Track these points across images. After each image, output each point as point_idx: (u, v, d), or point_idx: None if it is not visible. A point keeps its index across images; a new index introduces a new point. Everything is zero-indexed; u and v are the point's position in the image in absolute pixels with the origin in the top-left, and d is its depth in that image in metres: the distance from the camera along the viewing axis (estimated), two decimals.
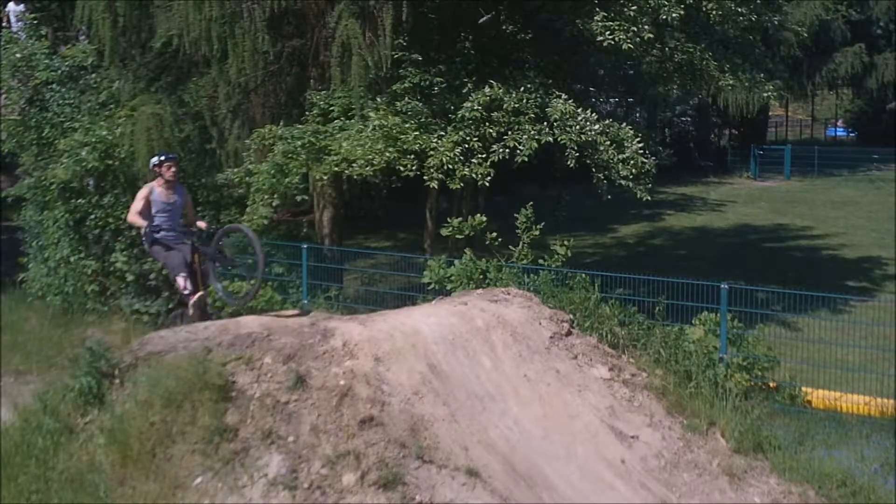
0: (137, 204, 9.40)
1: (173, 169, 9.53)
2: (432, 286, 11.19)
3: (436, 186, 13.14)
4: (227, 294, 10.32)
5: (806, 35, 19.14)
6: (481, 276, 11.02)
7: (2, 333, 11.75)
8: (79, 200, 14.06)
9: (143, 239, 9.66)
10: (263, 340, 7.90)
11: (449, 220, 12.37)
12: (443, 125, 13.27)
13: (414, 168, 12.69)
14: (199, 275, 9.62)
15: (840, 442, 9.38)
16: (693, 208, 28.16)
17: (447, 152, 12.71)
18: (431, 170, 12.79)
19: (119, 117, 14.00)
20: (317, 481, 6.92)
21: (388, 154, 12.43)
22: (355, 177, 12.90)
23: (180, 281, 9.45)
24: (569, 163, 13.09)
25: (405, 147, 12.63)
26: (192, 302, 9.45)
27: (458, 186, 13.05)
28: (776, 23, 16.71)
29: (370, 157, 12.39)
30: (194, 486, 6.93)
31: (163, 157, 9.59)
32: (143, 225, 9.35)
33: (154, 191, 9.47)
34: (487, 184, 13.22)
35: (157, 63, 15.08)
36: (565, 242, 11.35)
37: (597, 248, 21.79)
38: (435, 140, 12.88)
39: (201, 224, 9.93)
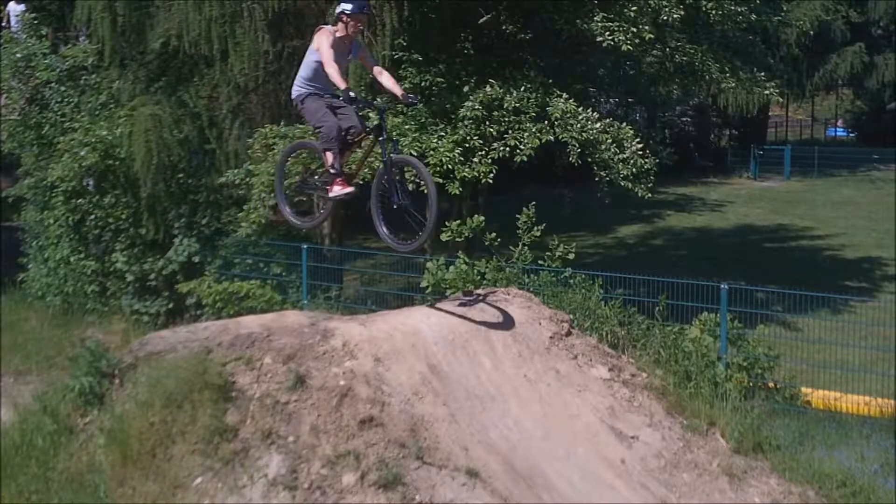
0: (330, 52, 7.77)
1: (361, 27, 8.08)
2: (429, 289, 11.18)
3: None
4: (388, 229, 8.26)
5: (808, 26, 19.10)
6: (479, 278, 11.01)
7: (2, 333, 11.75)
8: (79, 200, 14.06)
9: (296, 96, 8.20)
10: (263, 340, 7.89)
11: (447, 223, 12.36)
12: (442, 125, 13.27)
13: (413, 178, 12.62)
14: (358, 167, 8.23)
15: (840, 442, 9.37)
16: (693, 208, 28.17)
17: (447, 153, 12.70)
18: (430, 170, 12.78)
19: (119, 117, 14.00)
20: (317, 481, 6.92)
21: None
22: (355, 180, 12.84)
23: (329, 156, 8.03)
24: (571, 159, 13.09)
25: (405, 151, 12.59)
26: (332, 193, 8.12)
27: (458, 191, 13.03)
28: (776, 22, 16.72)
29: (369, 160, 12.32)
30: (194, 487, 6.93)
31: (357, 9, 7.89)
32: (344, 86, 7.67)
33: (332, 37, 7.91)
34: (491, 181, 13.21)
35: (157, 63, 15.07)
36: (566, 246, 11.34)
37: (597, 248, 21.79)
38: (435, 140, 12.87)
39: (394, 88, 8.05)
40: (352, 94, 7.66)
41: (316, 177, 8.67)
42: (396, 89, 8.05)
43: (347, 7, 7.85)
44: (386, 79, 8.10)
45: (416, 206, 8.05)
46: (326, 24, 13.62)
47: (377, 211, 8.11)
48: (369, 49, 12.91)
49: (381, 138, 7.92)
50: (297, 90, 8.22)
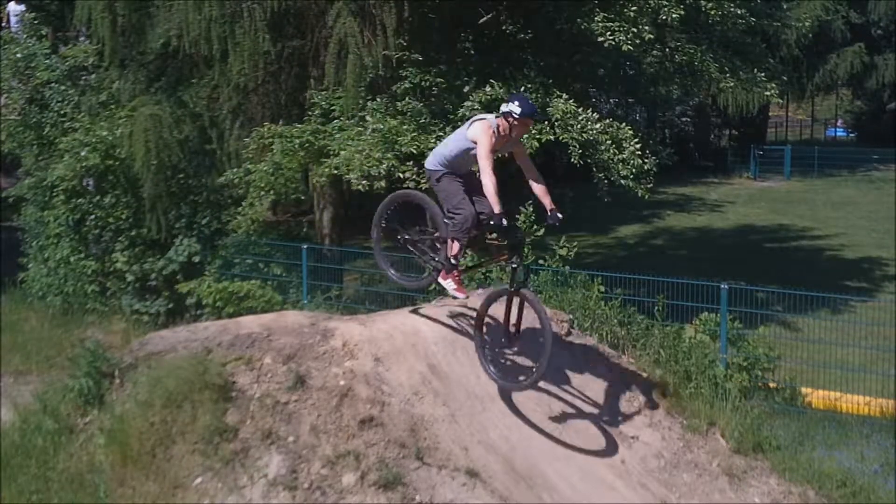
0: (490, 157, 7.33)
1: (528, 130, 7.70)
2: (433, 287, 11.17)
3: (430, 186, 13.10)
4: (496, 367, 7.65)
5: (808, 25, 19.11)
6: (482, 277, 11.01)
7: (2, 333, 11.74)
8: (79, 200, 14.06)
9: (431, 171, 7.75)
10: (263, 340, 7.89)
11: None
12: (442, 126, 13.26)
13: (413, 177, 12.61)
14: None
15: (840, 442, 9.38)
16: (693, 208, 28.18)
17: None
18: None
19: (119, 118, 14.00)
20: (317, 481, 6.92)
21: (385, 162, 12.37)
22: (354, 188, 12.81)
23: (455, 246, 7.63)
24: (572, 159, 13.09)
25: (402, 149, 12.58)
26: (444, 284, 7.70)
27: None
28: (776, 26, 16.73)
29: (368, 165, 12.30)
30: (194, 486, 6.93)
31: (529, 111, 7.41)
32: (499, 210, 7.21)
33: (492, 137, 7.42)
34: None
35: (157, 63, 15.08)
36: (567, 245, 11.34)
37: (597, 248, 21.79)
38: (433, 140, 12.86)
39: (544, 199, 7.61)
40: (504, 221, 7.23)
41: (426, 241, 8.05)
42: (546, 202, 7.62)
43: (516, 109, 7.33)
44: (538, 188, 7.66)
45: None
46: (326, 23, 13.82)
47: (481, 343, 7.68)
48: (368, 49, 12.95)
49: (514, 265, 7.47)
50: (434, 166, 7.70)
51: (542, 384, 7.68)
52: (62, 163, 13.74)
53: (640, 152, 13.23)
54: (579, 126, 13.03)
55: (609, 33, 13.25)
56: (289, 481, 6.89)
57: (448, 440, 7.36)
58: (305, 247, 13.01)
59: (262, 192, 12.98)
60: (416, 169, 12.65)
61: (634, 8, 13.42)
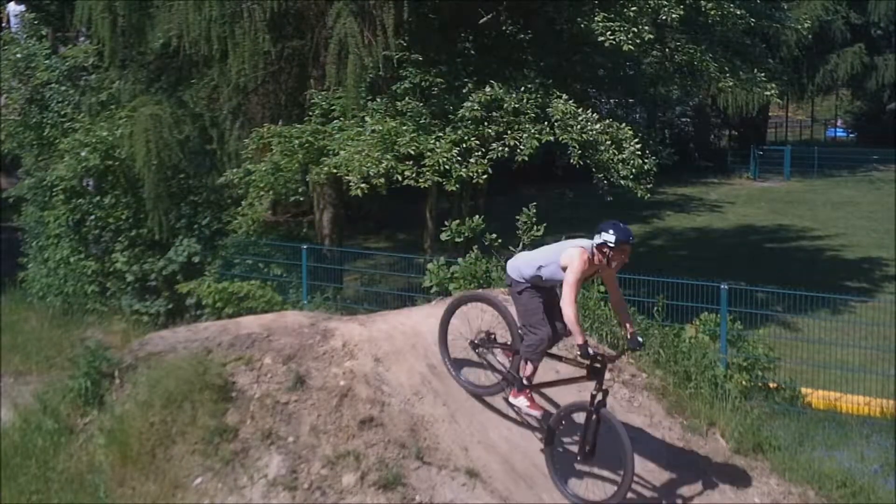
0: (577, 287, 7.08)
1: (625, 259, 7.24)
2: (433, 289, 11.18)
3: (429, 186, 13.10)
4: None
5: (808, 26, 19.12)
6: (485, 276, 11.01)
7: (2, 333, 11.74)
8: (79, 200, 14.06)
9: (514, 280, 7.44)
10: (263, 341, 7.90)
11: (447, 223, 12.36)
12: (441, 126, 13.26)
13: (412, 175, 12.61)
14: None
15: (840, 442, 9.38)
16: (693, 209, 28.18)
17: (444, 153, 12.69)
18: (427, 171, 12.75)
19: (119, 118, 14.00)
20: (317, 482, 6.92)
21: (385, 162, 12.37)
22: (353, 193, 12.80)
23: (528, 367, 7.33)
24: (572, 160, 13.09)
25: (402, 150, 12.57)
26: (516, 402, 7.43)
27: (455, 188, 13.03)
28: (776, 27, 16.74)
29: (367, 166, 12.30)
30: (194, 487, 6.93)
31: (624, 238, 7.10)
32: (582, 340, 6.97)
33: (585, 265, 7.14)
34: (482, 181, 13.19)
35: (157, 63, 15.09)
36: None
37: None
38: (433, 141, 12.87)
39: (626, 322, 7.47)
40: (590, 350, 7.00)
41: (496, 349, 7.74)
42: (628, 326, 7.42)
43: (611, 238, 7.02)
44: (622, 313, 7.54)
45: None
46: (326, 23, 13.82)
47: (552, 458, 7.35)
48: (368, 49, 12.95)
49: (593, 392, 7.18)
50: (517, 276, 7.41)
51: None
52: (62, 163, 13.74)
53: (639, 152, 13.23)
54: (579, 126, 13.03)
55: (609, 33, 13.25)
56: (289, 481, 6.89)
57: (448, 440, 7.36)
58: (305, 247, 13.01)
59: (262, 193, 12.98)
60: (415, 168, 12.66)
61: (634, 8, 13.43)
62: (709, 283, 10.70)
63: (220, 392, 7.34)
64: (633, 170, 13.13)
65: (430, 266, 11.49)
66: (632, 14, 13.40)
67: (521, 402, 7.39)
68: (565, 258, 7.16)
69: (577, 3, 14.12)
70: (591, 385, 7.18)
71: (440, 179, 12.78)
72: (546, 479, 7.47)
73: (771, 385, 10.59)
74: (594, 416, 7.14)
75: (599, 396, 7.13)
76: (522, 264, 7.46)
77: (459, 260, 11.37)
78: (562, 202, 22.71)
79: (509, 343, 7.59)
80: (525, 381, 7.35)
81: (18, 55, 15.20)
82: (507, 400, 7.57)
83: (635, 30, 13.26)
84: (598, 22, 13.38)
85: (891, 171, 33.20)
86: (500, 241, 11.62)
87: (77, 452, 7.44)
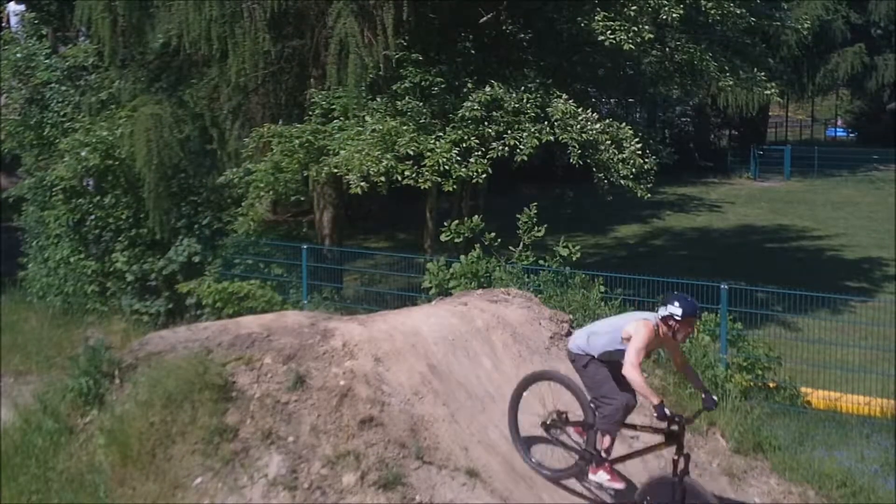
0: (640, 354, 6.89)
1: (691, 332, 7.17)
2: (433, 290, 11.18)
3: (429, 187, 13.09)
4: None
5: (808, 27, 19.10)
6: (486, 275, 11.02)
7: (2, 333, 11.75)
8: (79, 200, 14.06)
9: (577, 354, 7.30)
10: (263, 340, 7.90)
11: (446, 223, 12.37)
12: (441, 126, 13.26)
13: (412, 175, 12.60)
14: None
15: (840, 442, 9.38)
16: (693, 209, 28.17)
17: (444, 153, 12.69)
18: (426, 171, 12.74)
19: (119, 118, 14.00)
20: (317, 481, 6.92)
21: (385, 162, 12.36)
22: (352, 192, 12.80)
23: (606, 439, 7.18)
24: (572, 160, 13.10)
25: (402, 150, 12.56)
26: (596, 479, 7.18)
27: (452, 188, 13.03)
28: (776, 25, 16.74)
29: (367, 165, 12.29)
30: (194, 486, 6.93)
31: (691, 311, 6.93)
32: (657, 400, 6.80)
33: (651, 336, 6.99)
34: (481, 180, 13.19)
35: (157, 63, 15.08)
36: (569, 245, 11.34)
37: (597, 248, 21.78)
38: (432, 141, 12.86)
39: (697, 383, 7.42)
40: (666, 410, 6.79)
41: (569, 429, 7.54)
42: (701, 387, 7.35)
43: (677, 311, 6.83)
44: (691, 376, 7.48)
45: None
46: (326, 23, 13.81)
47: None
48: (368, 49, 12.94)
49: (675, 457, 6.95)
50: (579, 350, 7.27)
51: (542, 384, 7.67)
52: (62, 163, 13.74)
53: (640, 152, 13.24)
54: (579, 126, 13.04)
55: (609, 32, 13.25)
56: (289, 481, 6.89)
57: (448, 440, 7.36)
58: (305, 247, 13.01)
59: (263, 194, 12.98)
60: (414, 168, 12.65)
61: (634, 7, 13.43)
62: (709, 283, 10.70)
63: (220, 392, 7.34)
64: (634, 169, 13.13)
65: (429, 266, 11.50)
66: (632, 13, 13.40)
67: (602, 476, 7.15)
68: (628, 330, 6.99)
69: (578, 3, 14.12)
70: (671, 450, 6.97)
71: (440, 180, 12.77)
72: (546, 479, 7.48)
73: (771, 385, 10.59)
74: (680, 487, 6.88)
75: (682, 463, 6.88)
76: (582, 338, 7.31)
77: (462, 258, 11.38)
78: (562, 201, 22.72)
79: (582, 420, 7.33)
80: (603, 455, 7.14)
81: (18, 55, 15.21)
82: (586, 479, 7.29)
83: (635, 29, 13.26)
84: (599, 21, 13.38)
85: (891, 170, 33.19)
86: (499, 240, 11.63)
87: (77, 452, 7.44)
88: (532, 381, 7.65)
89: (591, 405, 7.18)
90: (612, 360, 7.07)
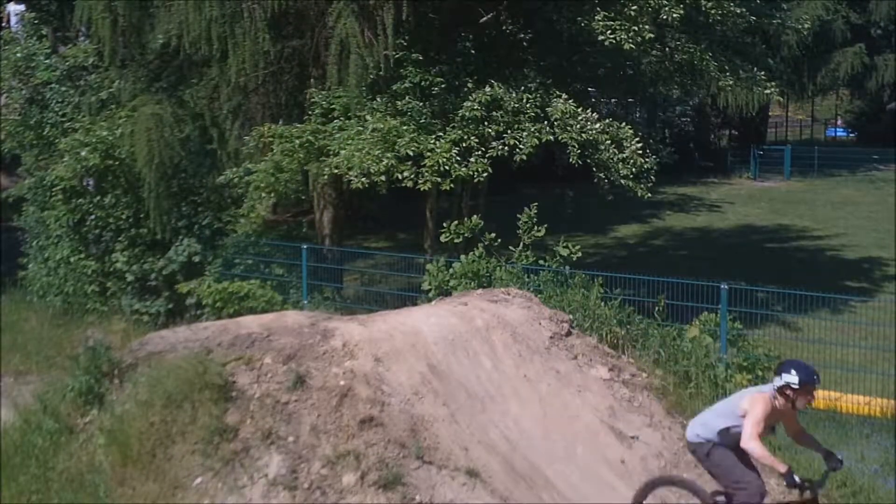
0: (759, 426, 6.56)
1: (811, 400, 6.75)
2: (432, 291, 11.17)
3: (429, 188, 13.09)
4: None
5: (808, 26, 19.10)
6: (487, 275, 11.02)
7: (2, 333, 11.75)
8: (79, 200, 14.06)
9: (697, 443, 6.93)
10: (263, 340, 7.90)
11: (446, 223, 12.36)
12: (442, 126, 13.26)
13: (412, 176, 12.59)
14: None
15: (840, 442, 9.37)
16: (693, 208, 28.16)
17: (444, 153, 12.68)
18: (426, 171, 12.73)
19: (119, 117, 14.00)
20: (317, 481, 6.92)
21: (385, 161, 12.36)
22: (353, 186, 12.81)
23: None
24: (571, 159, 13.10)
25: (402, 151, 12.55)
26: None
27: (449, 188, 13.02)
28: (776, 25, 16.74)
29: (367, 163, 12.29)
30: (194, 486, 6.93)
31: (808, 379, 6.58)
32: (785, 468, 6.51)
33: (768, 408, 6.66)
34: (482, 179, 13.19)
35: (157, 63, 15.07)
36: (569, 245, 11.34)
37: (597, 248, 21.78)
38: (432, 141, 12.86)
39: (820, 449, 7.00)
40: (796, 478, 6.45)
41: None
42: (822, 451, 6.98)
43: (793, 380, 6.50)
44: (810, 442, 7.15)
45: None
46: (326, 23, 13.80)
47: None
48: (369, 49, 12.94)
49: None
50: (698, 438, 6.90)
51: (542, 385, 7.68)
52: (62, 163, 13.74)
53: (640, 152, 13.24)
54: (578, 126, 13.04)
55: (609, 32, 13.25)
56: (289, 481, 6.89)
57: (448, 440, 7.36)
58: (305, 247, 13.01)
59: (263, 195, 12.98)
60: (414, 168, 12.65)
61: (635, 7, 13.43)
62: (709, 283, 10.70)
63: (220, 392, 7.34)
64: (634, 169, 13.14)
65: (429, 267, 11.49)
66: (632, 13, 13.40)
67: None
68: (744, 406, 6.68)
69: (578, 3, 14.12)
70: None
71: (439, 180, 12.77)
72: (546, 479, 7.47)
73: None
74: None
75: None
76: (699, 425, 6.98)
77: (462, 258, 11.37)
78: (562, 201, 22.71)
79: None
80: None
81: (18, 55, 15.21)
82: None
83: (636, 29, 13.26)
84: (599, 21, 13.38)
85: (891, 170, 33.17)
86: (499, 240, 11.63)
87: (77, 452, 7.44)
88: (653, 486, 7.29)
89: (722, 498, 6.78)
90: (737, 443, 6.65)
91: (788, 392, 6.55)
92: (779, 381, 6.59)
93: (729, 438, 6.71)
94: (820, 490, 6.78)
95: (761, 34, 18.16)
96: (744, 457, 6.69)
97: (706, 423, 6.89)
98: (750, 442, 6.45)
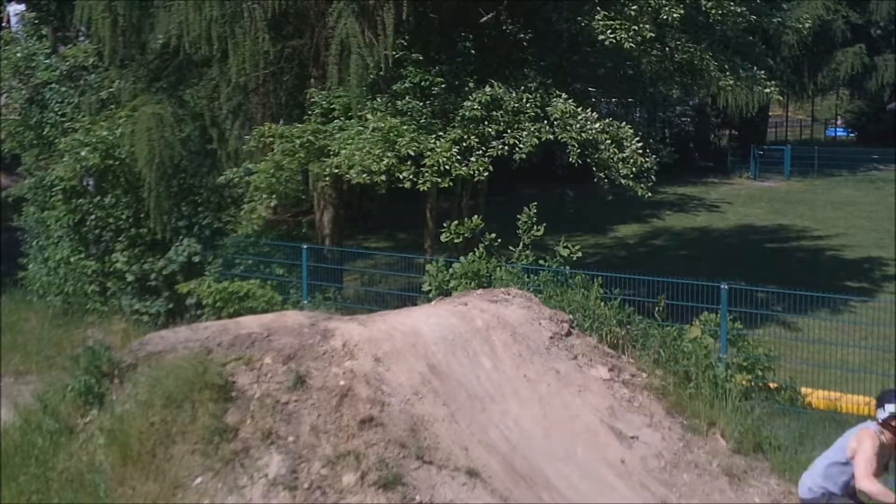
0: (871, 463, 6.23)
1: None
2: (432, 292, 11.17)
3: (428, 188, 13.09)
4: None
5: (808, 26, 19.08)
6: (487, 276, 11.02)
7: (2, 333, 11.76)
8: (79, 200, 14.06)
9: (811, 499, 6.64)
10: (263, 340, 7.90)
11: (446, 223, 12.36)
12: (442, 125, 13.26)
13: (410, 177, 12.58)
14: None
15: None
16: (693, 208, 28.16)
17: (444, 153, 12.68)
18: (426, 171, 12.72)
19: (119, 117, 14.00)
20: (317, 481, 6.92)
21: (386, 160, 12.36)
22: (353, 183, 12.82)
23: None
24: (571, 159, 13.10)
25: (402, 151, 12.55)
26: None
27: (449, 185, 13.01)
28: (776, 24, 16.74)
29: (367, 162, 12.30)
30: (194, 486, 6.93)
31: None
32: (874, 484, 6.18)
33: (877, 444, 6.37)
34: (483, 178, 13.19)
35: (157, 63, 15.07)
36: (569, 245, 11.34)
37: (597, 248, 21.78)
38: (433, 140, 12.86)
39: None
40: None
41: None
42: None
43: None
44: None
45: None
46: (326, 23, 13.81)
47: None
48: (369, 49, 12.94)
49: None
50: (811, 494, 6.62)
51: (543, 385, 7.68)
52: (62, 163, 13.74)
53: (640, 151, 13.24)
54: (578, 126, 13.04)
55: (609, 32, 13.25)
56: (289, 481, 6.89)
57: (448, 440, 7.36)
58: (305, 247, 13.00)
59: (264, 196, 12.98)
60: (413, 169, 12.65)
61: (635, 7, 13.43)
62: (709, 283, 10.69)
63: (220, 392, 7.35)
64: (634, 169, 13.13)
65: (428, 267, 11.49)
66: (632, 13, 13.40)
67: None
68: (851, 446, 6.44)
69: (578, 3, 14.11)
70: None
71: (439, 180, 12.77)
72: (546, 479, 7.47)
73: (771, 385, 10.59)
74: None
75: None
76: (809, 478, 6.72)
77: (461, 258, 11.37)
78: (562, 201, 22.72)
79: None
80: None
81: (18, 55, 15.21)
82: None
83: (636, 28, 13.26)
84: (599, 21, 13.38)
85: (891, 170, 33.17)
86: (499, 240, 11.63)
87: (77, 452, 7.44)
88: None
89: None
90: (852, 489, 6.39)
91: (894, 423, 6.24)
92: (882, 414, 6.26)
93: (843, 485, 6.39)
94: None
95: (761, 34, 18.15)
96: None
97: (816, 476, 6.58)
98: (864, 481, 6.14)
